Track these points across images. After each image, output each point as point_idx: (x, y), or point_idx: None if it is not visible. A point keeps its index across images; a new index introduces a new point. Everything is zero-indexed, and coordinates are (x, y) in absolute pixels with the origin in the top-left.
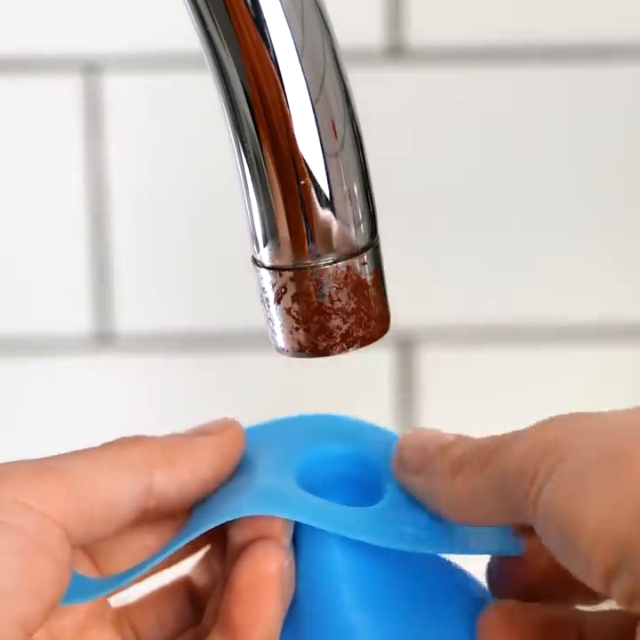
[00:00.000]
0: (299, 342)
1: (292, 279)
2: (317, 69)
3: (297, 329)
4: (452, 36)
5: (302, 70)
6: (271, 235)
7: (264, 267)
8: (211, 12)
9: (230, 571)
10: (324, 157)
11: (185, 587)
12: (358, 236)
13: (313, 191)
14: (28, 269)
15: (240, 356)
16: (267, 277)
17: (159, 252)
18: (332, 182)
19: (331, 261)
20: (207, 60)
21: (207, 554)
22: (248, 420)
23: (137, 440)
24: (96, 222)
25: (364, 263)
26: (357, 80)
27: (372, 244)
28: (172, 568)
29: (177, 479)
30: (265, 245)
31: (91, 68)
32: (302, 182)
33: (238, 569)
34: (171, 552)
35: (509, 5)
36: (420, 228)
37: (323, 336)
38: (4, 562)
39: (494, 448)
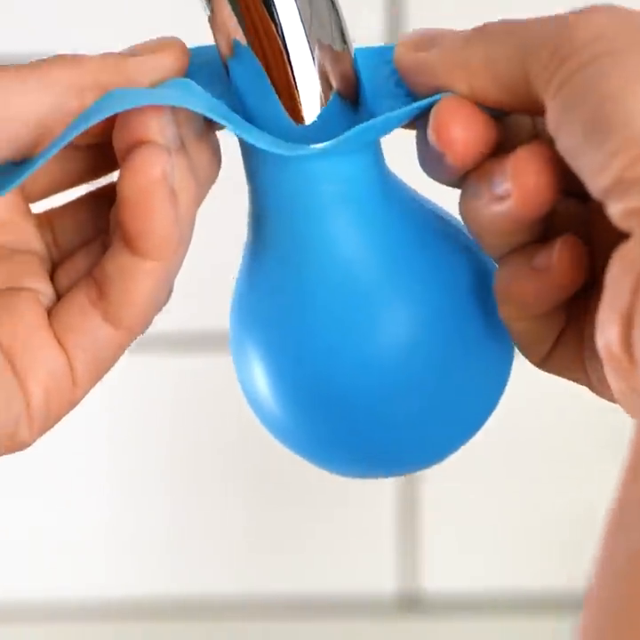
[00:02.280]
0: None
1: None
2: None
3: None
4: None
5: None
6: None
7: None
8: None
9: (118, 181)
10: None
11: (110, 194)
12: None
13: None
14: None
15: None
16: None
17: None
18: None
19: None
20: None
21: None
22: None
23: (70, 60)
24: None
25: None
26: None
27: None
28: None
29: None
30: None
31: None
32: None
33: (122, 179)
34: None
35: (509, 8)
36: None
37: None
38: None
39: (526, 21)
